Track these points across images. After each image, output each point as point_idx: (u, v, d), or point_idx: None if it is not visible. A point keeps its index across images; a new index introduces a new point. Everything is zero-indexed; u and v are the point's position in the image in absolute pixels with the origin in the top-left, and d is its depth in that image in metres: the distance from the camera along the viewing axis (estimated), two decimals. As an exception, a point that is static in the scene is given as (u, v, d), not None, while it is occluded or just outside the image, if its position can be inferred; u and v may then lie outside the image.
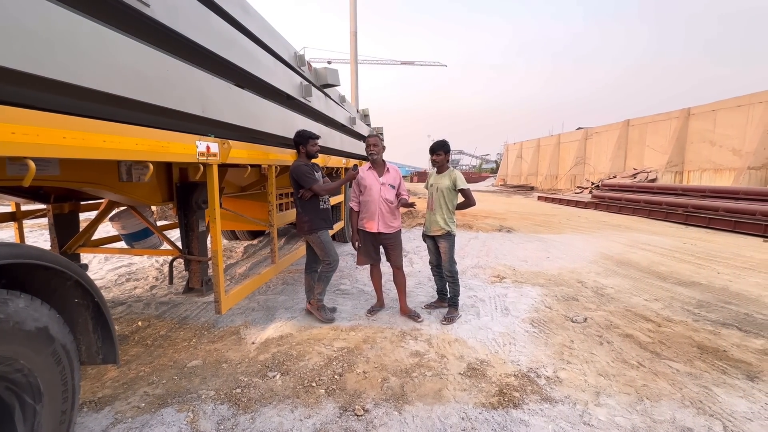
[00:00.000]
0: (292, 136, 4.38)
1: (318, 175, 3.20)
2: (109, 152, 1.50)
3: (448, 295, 3.47)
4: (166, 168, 2.94)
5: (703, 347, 2.84)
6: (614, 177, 18.38)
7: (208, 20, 2.69)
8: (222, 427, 1.96)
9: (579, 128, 24.85)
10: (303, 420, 2.01)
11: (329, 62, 49.40)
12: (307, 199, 3.14)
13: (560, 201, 15.53)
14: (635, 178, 17.37)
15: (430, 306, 3.63)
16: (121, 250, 3.25)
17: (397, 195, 3.38)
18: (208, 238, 3.16)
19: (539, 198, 17.81)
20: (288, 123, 4.09)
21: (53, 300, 1.69)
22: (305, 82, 4.81)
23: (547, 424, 1.95)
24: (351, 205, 3.42)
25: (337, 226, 5.47)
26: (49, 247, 3.36)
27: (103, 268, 5.00)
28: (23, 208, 3.53)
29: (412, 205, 3.37)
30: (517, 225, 9.38)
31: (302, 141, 3.18)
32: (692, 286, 4.43)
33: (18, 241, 3.46)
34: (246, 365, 2.55)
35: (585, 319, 3.35)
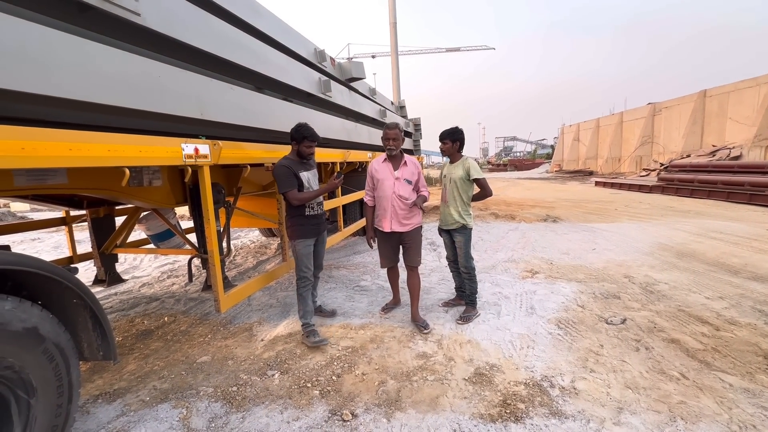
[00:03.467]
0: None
1: (307, 175, 2.83)
2: (76, 160, 1.55)
3: (465, 292, 3.25)
4: (179, 171, 3.05)
5: (772, 357, 2.36)
6: (687, 156, 16.31)
7: (208, 24, 2.71)
8: (213, 425, 1.99)
9: (650, 104, 22.27)
10: (290, 422, 1.97)
11: (373, 56, 49.49)
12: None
13: (620, 186, 14.14)
14: (714, 156, 15.24)
15: (448, 303, 3.43)
16: (148, 250, 3.48)
17: (416, 191, 3.05)
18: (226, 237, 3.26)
19: (596, 183, 16.38)
20: (305, 120, 4.09)
21: (51, 302, 1.81)
22: (324, 78, 4.78)
23: (550, 443, 1.73)
24: (365, 199, 3.19)
25: (355, 226, 5.36)
26: (90, 248, 3.70)
27: (151, 266, 5.43)
28: (72, 213, 3.91)
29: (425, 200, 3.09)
30: (565, 214, 8.68)
31: (297, 138, 2.79)
32: (770, 281, 3.74)
33: (68, 243, 3.85)
34: (249, 363, 2.59)
35: (623, 321, 2.96)
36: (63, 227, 3.87)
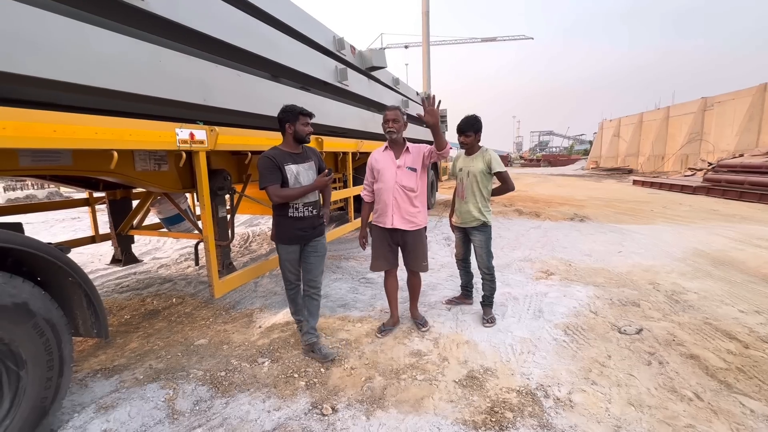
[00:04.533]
0: (324, 121, 4.37)
1: (295, 169, 2.35)
2: (61, 141, 1.57)
3: (483, 293, 3.04)
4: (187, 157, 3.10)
5: (806, 383, 2.10)
6: (740, 156, 15.00)
7: (214, 8, 2.71)
8: (197, 407, 2.01)
9: (703, 98, 20.56)
10: (270, 412, 1.96)
11: (406, 46, 48.80)
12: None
13: (660, 185, 13.24)
14: (771, 156, 13.90)
15: (452, 301, 3.31)
16: (160, 234, 3.59)
17: (422, 179, 2.68)
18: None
19: (634, 182, 15.43)
20: (317, 108, 4.05)
21: (49, 280, 1.87)
22: (341, 66, 4.71)
23: (533, 458, 1.61)
24: (362, 194, 2.85)
25: (350, 227, 4.67)
26: (108, 229, 3.86)
27: (172, 248, 5.64)
28: (95, 195, 4.10)
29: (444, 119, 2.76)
30: (594, 213, 8.22)
31: (290, 117, 2.31)
32: (819, 297, 3.35)
33: (91, 223, 4.04)
34: (243, 349, 2.61)
35: (639, 331, 2.74)
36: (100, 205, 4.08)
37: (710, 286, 3.68)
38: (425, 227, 2.77)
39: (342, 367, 2.36)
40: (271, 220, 7.68)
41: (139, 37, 2.18)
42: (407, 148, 2.69)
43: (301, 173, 2.37)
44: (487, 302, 3.02)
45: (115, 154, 1.80)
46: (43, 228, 7.61)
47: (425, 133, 9.04)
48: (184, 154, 2.19)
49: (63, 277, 1.89)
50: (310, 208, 2.43)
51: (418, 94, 9.74)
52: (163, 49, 2.29)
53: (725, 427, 1.77)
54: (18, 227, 2.27)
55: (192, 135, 2.21)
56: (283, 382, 2.21)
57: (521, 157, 52.81)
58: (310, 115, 2.40)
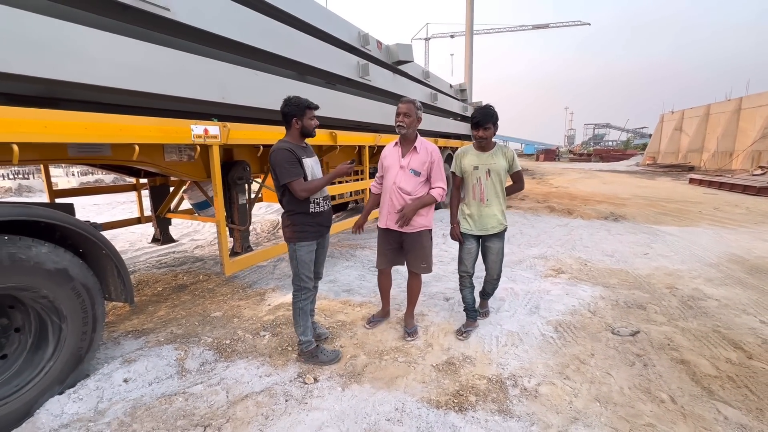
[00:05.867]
0: (344, 116, 4.57)
1: (310, 162, 2.32)
2: (95, 137, 1.90)
3: (484, 289, 2.93)
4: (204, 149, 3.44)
5: (801, 397, 2.00)
6: (823, 154, 13.28)
7: (233, 13, 2.97)
8: (202, 368, 2.33)
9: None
10: (261, 377, 2.23)
11: (452, 36, 47.80)
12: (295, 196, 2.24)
13: (720, 185, 12.10)
14: None
15: (463, 332, 2.70)
16: (191, 217, 4.00)
17: (427, 184, 2.56)
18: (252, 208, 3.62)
19: (690, 181, 14.20)
20: (333, 103, 4.26)
21: (87, 251, 2.25)
22: (363, 62, 4.87)
23: (481, 437, 1.72)
24: (371, 186, 2.89)
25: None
26: (149, 212, 4.37)
27: (209, 231, 6.18)
28: (141, 181, 4.63)
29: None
30: (633, 213, 7.79)
31: (296, 112, 2.23)
32: None
33: (138, 205, 4.58)
34: (250, 323, 2.91)
35: (634, 333, 2.70)
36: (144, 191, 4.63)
37: (736, 294, 3.47)
38: (429, 230, 2.65)
39: (332, 345, 2.58)
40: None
41: (164, 43, 2.50)
42: (415, 147, 2.54)
43: (314, 166, 2.34)
44: (487, 296, 2.99)
45: (137, 147, 2.12)
46: (108, 209, 8.58)
47: (455, 127, 8.98)
48: (198, 147, 2.49)
49: (98, 250, 2.25)
50: (327, 201, 2.43)
51: (451, 86, 9.66)
52: (184, 53, 2.59)
53: (688, 430, 1.77)
54: (69, 208, 2.70)
55: (206, 130, 2.50)
56: (278, 354, 2.48)
57: (570, 151, 49.99)
58: (316, 107, 2.34)
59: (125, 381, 2.14)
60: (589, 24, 48.12)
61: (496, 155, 2.59)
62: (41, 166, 3.88)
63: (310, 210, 2.31)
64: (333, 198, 5.16)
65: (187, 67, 2.59)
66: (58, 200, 3.84)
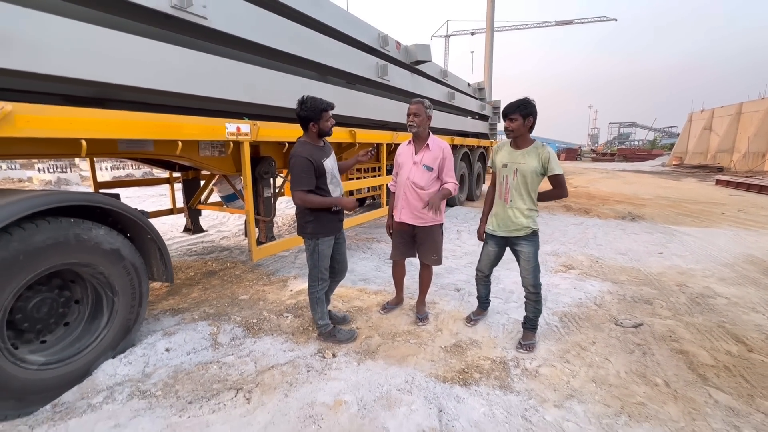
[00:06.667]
0: (364, 115, 4.78)
1: (330, 163, 2.44)
2: (143, 134, 2.17)
3: (526, 314, 2.58)
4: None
5: (794, 387, 2.09)
6: None
7: (263, 20, 3.22)
8: (232, 342, 2.59)
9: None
10: (285, 352, 2.47)
11: (473, 33, 47.33)
12: (317, 191, 2.38)
13: (748, 186, 11.72)
14: None
15: (472, 320, 2.86)
16: (220, 209, 4.30)
17: (439, 179, 2.70)
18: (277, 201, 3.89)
19: (717, 182, 13.78)
20: (353, 102, 4.49)
21: (135, 235, 2.54)
22: (382, 62, 5.07)
23: (482, 407, 1.91)
24: (389, 185, 3.04)
25: (381, 212, 4.93)
26: (181, 203, 4.71)
27: (234, 223, 6.52)
28: (174, 175, 4.97)
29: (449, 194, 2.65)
30: (652, 213, 7.72)
31: (314, 115, 2.31)
32: None
33: (170, 197, 4.93)
34: (275, 305, 3.17)
35: (637, 325, 2.81)
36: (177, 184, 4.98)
37: (747, 293, 3.51)
38: (440, 224, 2.80)
39: (349, 327, 2.80)
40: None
41: (201, 48, 2.77)
42: (428, 145, 2.69)
43: (333, 166, 2.46)
44: (530, 325, 2.56)
45: (180, 143, 2.38)
46: (139, 201, 9.09)
47: (473, 125, 9.07)
48: (231, 143, 2.74)
49: (144, 234, 2.54)
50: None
51: (469, 85, 9.74)
52: (219, 57, 2.85)
53: (677, 410, 1.90)
54: (116, 197, 3.02)
55: (238, 128, 2.76)
56: (300, 332, 2.72)
57: (593, 151, 48.78)
58: (332, 107, 2.42)
59: (167, 350, 2.42)
60: (616, 20, 46.79)
61: (528, 155, 2.37)
62: (82, 160, 4.25)
63: (333, 209, 2.44)
64: (351, 193, 5.42)
65: (220, 70, 2.85)
66: (102, 191, 4.20)
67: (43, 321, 2.09)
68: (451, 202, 8.31)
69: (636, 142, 76.74)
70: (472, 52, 46.02)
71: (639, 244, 5.19)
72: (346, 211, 2.40)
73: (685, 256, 4.70)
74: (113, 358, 2.29)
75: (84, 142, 1.96)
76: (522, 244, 2.48)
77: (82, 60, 2.06)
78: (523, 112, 2.32)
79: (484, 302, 2.91)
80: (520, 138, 2.40)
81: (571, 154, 40.18)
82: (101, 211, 2.31)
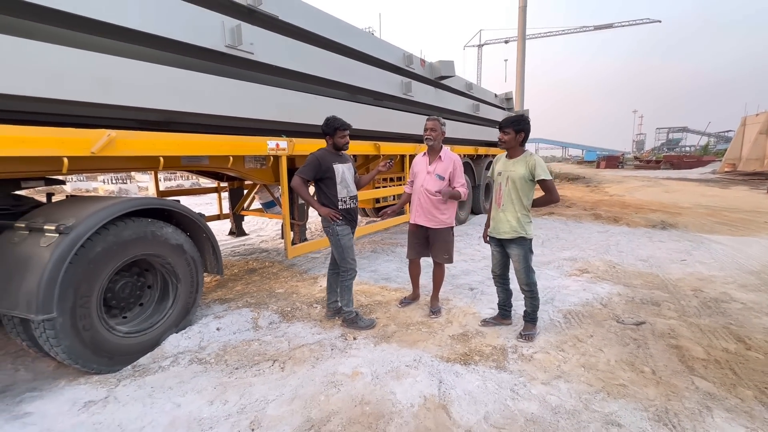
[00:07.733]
0: (388, 129, 5.23)
1: (342, 168, 2.93)
2: (203, 151, 2.70)
3: (525, 309, 2.83)
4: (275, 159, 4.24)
5: (781, 380, 2.22)
6: None
7: (299, 51, 3.74)
8: (270, 325, 3.05)
9: None
10: (314, 334, 2.89)
11: (506, 41, 47.10)
12: (326, 188, 2.91)
13: (803, 195, 10.95)
14: None
15: (488, 323, 3.00)
16: (260, 214, 4.87)
17: (450, 186, 3.05)
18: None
19: (769, 190, 12.92)
20: (376, 117, 4.94)
21: (193, 233, 3.08)
22: (406, 80, 5.50)
23: (477, 381, 2.21)
24: (405, 188, 3.48)
25: (404, 218, 5.30)
26: (227, 210, 5.33)
27: (272, 228, 7.14)
28: (222, 185, 5.64)
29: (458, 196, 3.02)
30: (687, 222, 7.53)
31: (329, 131, 2.90)
32: None
33: (218, 204, 5.59)
34: (306, 298, 3.61)
35: (639, 324, 2.98)
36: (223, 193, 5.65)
37: (765, 299, 3.53)
38: (451, 227, 3.18)
39: (368, 317, 3.18)
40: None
41: (247, 78, 3.30)
42: (440, 157, 3.07)
43: (345, 171, 2.97)
44: (529, 318, 2.81)
45: (231, 158, 2.91)
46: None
47: (491, 133, 9.27)
48: (271, 157, 3.25)
49: (200, 233, 3.07)
50: (354, 200, 3.07)
51: (496, 95, 9.97)
52: (263, 86, 3.38)
53: (656, 392, 2.11)
54: (178, 203, 3.61)
55: (277, 144, 3.26)
56: (327, 320, 3.13)
57: (636, 158, 46.43)
58: (347, 128, 2.94)
59: (217, 329, 2.91)
60: (660, 21, 44.81)
61: (518, 163, 2.63)
62: (143, 172, 4.97)
63: (340, 207, 2.95)
64: (377, 201, 5.84)
65: (262, 95, 3.38)
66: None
67: (125, 300, 2.65)
68: (476, 210, 8.53)
69: (687, 148, 72.15)
70: (505, 60, 45.66)
71: (662, 251, 5.20)
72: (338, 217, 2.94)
73: (709, 263, 4.68)
74: (176, 333, 2.81)
75: (162, 159, 2.51)
76: (512, 247, 2.74)
77: (157, 93, 2.63)
78: (516, 127, 2.62)
79: (502, 308, 3.00)
80: (512, 149, 2.70)
81: (612, 161, 38.46)
82: (168, 213, 2.87)
